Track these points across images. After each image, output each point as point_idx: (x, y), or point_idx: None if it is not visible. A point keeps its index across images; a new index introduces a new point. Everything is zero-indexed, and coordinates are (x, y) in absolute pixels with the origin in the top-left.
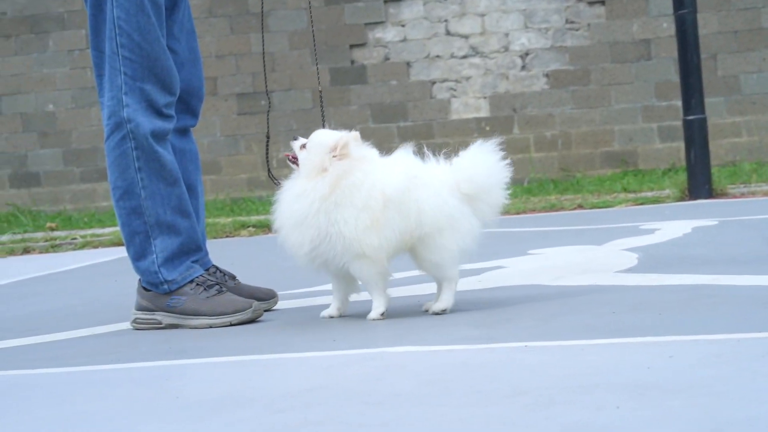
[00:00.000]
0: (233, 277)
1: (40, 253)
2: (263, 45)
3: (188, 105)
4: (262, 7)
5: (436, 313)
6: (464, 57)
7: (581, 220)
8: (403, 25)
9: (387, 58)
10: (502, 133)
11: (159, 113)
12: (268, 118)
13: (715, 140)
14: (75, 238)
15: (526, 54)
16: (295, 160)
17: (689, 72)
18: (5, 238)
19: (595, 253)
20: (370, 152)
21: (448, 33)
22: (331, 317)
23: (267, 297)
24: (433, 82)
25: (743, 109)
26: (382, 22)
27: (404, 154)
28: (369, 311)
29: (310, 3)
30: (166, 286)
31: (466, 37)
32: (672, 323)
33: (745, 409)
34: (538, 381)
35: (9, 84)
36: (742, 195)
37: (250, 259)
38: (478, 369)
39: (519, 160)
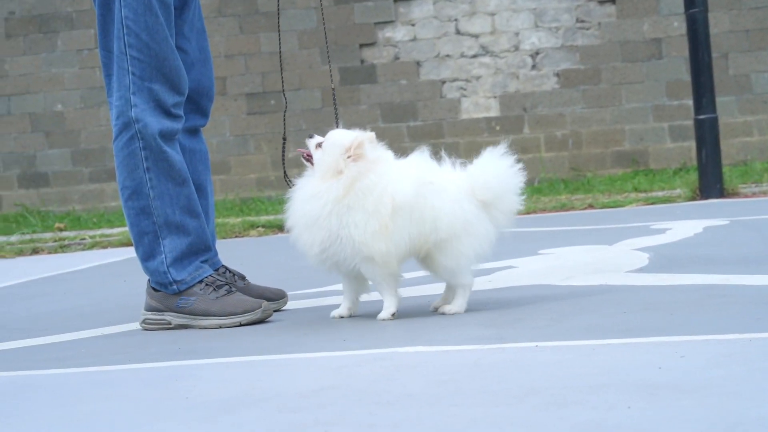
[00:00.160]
0: (243, 277)
1: (49, 253)
2: (279, 44)
3: (198, 105)
4: (279, 7)
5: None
6: (474, 56)
7: (592, 219)
8: (413, 25)
9: (397, 58)
10: (512, 132)
11: (167, 113)
12: (284, 118)
13: (726, 139)
14: (84, 239)
15: (537, 53)
16: (309, 158)
17: (700, 71)
18: (14, 238)
19: (606, 253)
20: (385, 154)
21: (458, 32)
22: (342, 317)
23: (276, 297)
24: (443, 82)
25: (755, 108)
26: (391, 22)
27: (420, 157)
28: (379, 311)
29: (321, 2)
30: (175, 287)
31: (476, 36)
32: (683, 323)
33: (757, 408)
34: (549, 381)
35: (18, 84)
36: (754, 194)
37: (259, 259)
38: (488, 369)
39: (529, 159)
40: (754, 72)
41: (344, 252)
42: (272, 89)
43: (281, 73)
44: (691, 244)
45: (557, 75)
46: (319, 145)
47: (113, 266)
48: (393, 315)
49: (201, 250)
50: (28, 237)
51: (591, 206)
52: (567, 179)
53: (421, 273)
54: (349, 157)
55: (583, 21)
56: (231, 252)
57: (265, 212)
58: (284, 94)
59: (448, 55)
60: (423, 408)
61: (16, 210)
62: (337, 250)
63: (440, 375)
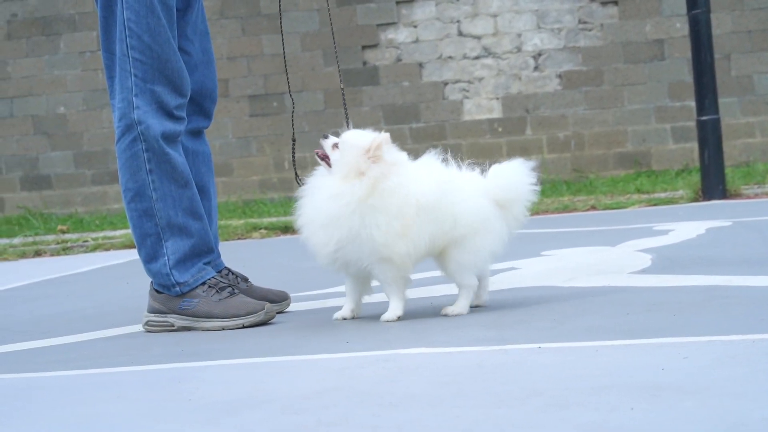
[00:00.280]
0: (245, 279)
1: (52, 255)
2: (283, 46)
3: (201, 106)
4: (280, 10)
5: (447, 315)
6: (477, 58)
7: (594, 221)
8: (415, 26)
9: (399, 59)
10: (514, 134)
11: (170, 115)
12: (292, 119)
13: (728, 141)
14: (86, 241)
15: (539, 54)
16: (325, 158)
17: (703, 72)
18: (16, 240)
19: (609, 254)
20: (401, 156)
21: (460, 34)
22: (344, 318)
23: (279, 299)
24: (446, 83)
25: (757, 109)
26: (394, 23)
27: (432, 159)
28: (382, 313)
29: (328, 3)
30: (177, 289)
31: (478, 37)
32: (686, 324)
33: (760, 409)
34: (552, 382)
35: (20, 86)
36: (756, 195)
37: (262, 261)
38: (491, 370)
39: (532, 161)
40: (757, 73)
41: (360, 252)
42: (275, 91)
43: (286, 75)
44: (693, 245)
45: (559, 76)
46: (335, 145)
47: (116, 268)
48: (398, 318)
49: (204, 252)
50: (30, 239)
51: (593, 207)
52: (569, 180)
53: (424, 275)
54: (369, 158)
55: (585, 22)
56: (234, 254)
57: (268, 214)
58: (291, 95)
59: (450, 57)
60: (426, 409)
61: (19, 212)
62: (354, 249)
63: (443, 376)
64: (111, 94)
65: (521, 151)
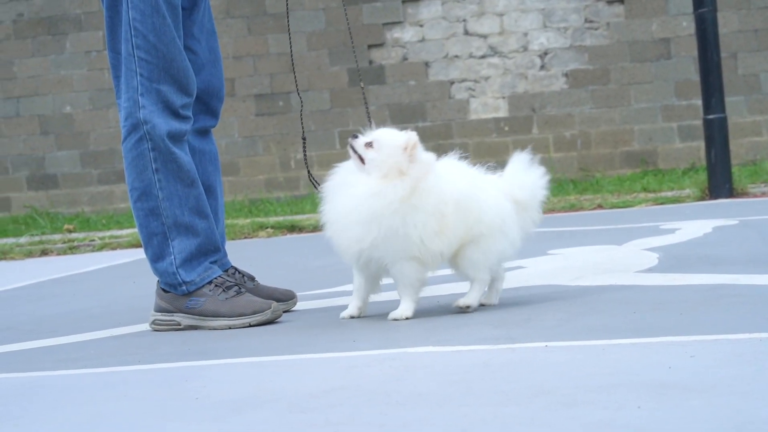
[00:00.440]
0: (252, 278)
1: (58, 255)
2: (291, 46)
3: (208, 106)
4: (288, 8)
5: (460, 308)
6: (483, 57)
7: (601, 220)
8: (421, 25)
9: (405, 58)
10: (520, 133)
11: (176, 114)
12: (301, 118)
13: (735, 139)
14: (93, 240)
15: (545, 53)
16: (359, 157)
17: (709, 71)
18: (23, 240)
19: (616, 253)
20: (430, 156)
21: (466, 33)
22: (352, 317)
23: (286, 298)
24: (452, 82)
25: (764, 108)
26: (400, 22)
27: (453, 160)
28: (389, 311)
29: (344, 2)
30: (184, 288)
31: (484, 36)
32: (693, 323)
33: (767, 408)
34: (560, 381)
35: (26, 86)
36: (763, 194)
37: (268, 260)
38: (498, 369)
39: (538, 160)
40: (764, 72)
41: (392, 249)
42: (280, 90)
43: (294, 74)
44: (700, 244)
45: (566, 75)
46: (368, 144)
47: (122, 267)
48: (407, 318)
49: (210, 250)
50: (37, 239)
51: (600, 206)
52: (576, 179)
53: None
54: (407, 156)
55: (591, 21)
56: (240, 253)
57: (274, 213)
58: (299, 94)
59: (456, 56)
60: (433, 408)
61: (26, 212)
62: (386, 247)
63: (450, 375)
64: (117, 93)
65: (528, 150)
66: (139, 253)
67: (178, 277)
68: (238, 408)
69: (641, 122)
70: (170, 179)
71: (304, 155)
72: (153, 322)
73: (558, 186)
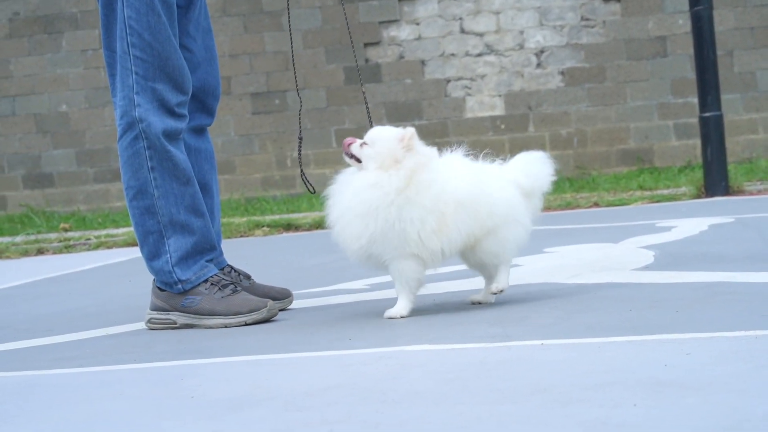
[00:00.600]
0: (248, 277)
1: (54, 253)
2: (291, 44)
3: (204, 104)
4: (289, 6)
5: (493, 293)
6: (479, 55)
7: (597, 218)
8: (417, 24)
9: (401, 57)
10: (517, 131)
11: (171, 112)
12: (300, 117)
13: (731, 137)
14: (89, 239)
15: (542, 52)
16: (353, 157)
17: (705, 69)
18: (19, 239)
19: (612, 251)
20: (431, 150)
21: (462, 31)
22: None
23: (282, 296)
24: (448, 81)
25: (760, 105)
26: (396, 21)
27: (457, 155)
28: (384, 310)
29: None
30: (180, 286)
31: (480, 35)
32: (689, 320)
33: (763, 405)
34: (555, 379)
35: (22, 84)
36: (759, 192)
37: (264, 258)
38: (495, 367)
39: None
40: (760, 69)
41: (390, 245)
42: (277, 89)
43: (294, 72)
44: (696, 241)
45: (562, 73)
46: (363, 144)
47: (118, 266)
48: (402, 317)
49: (206, 249)
50: (33, 237)
51: (596, 204)
52: (572, 177)
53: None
54: (403, 147)
55: (587, 19)
56: (236, 251)
57: (270, 212)
58: (299, 94)
59: (452, 54)
60: (429, 406)
61: (21, 210)
62: (383, 242)
63: (446, 373)
64: (113, 91)
65: (524, 148)
66: (135, 252)
67: (174, 275)
68: (234, 406)
69: (637, 120)
70: (166, 177)
71: (299, 156)
72: (149, 321)
73: (554, 184)
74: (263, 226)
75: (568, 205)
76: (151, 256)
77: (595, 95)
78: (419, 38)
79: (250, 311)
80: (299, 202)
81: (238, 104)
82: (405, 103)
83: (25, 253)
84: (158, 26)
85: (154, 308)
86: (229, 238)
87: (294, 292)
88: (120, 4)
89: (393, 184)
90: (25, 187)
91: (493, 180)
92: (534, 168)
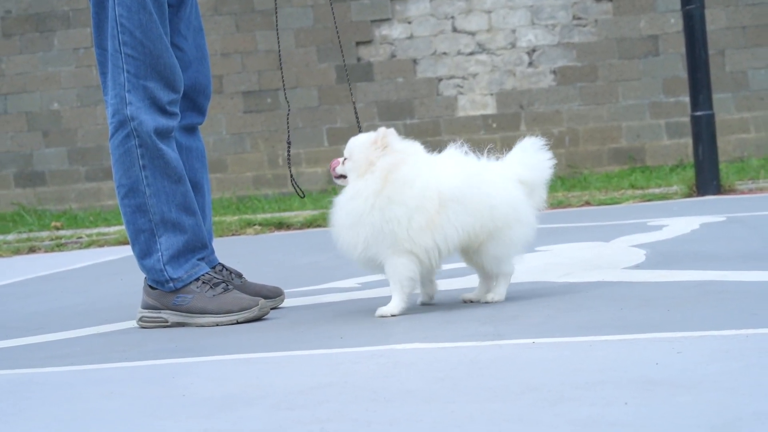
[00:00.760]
0: (239, 275)
1: (46, 252)
2: (279, 46)
3: (195, 103)
4: (276, 6)
5: (488, 302)
6: (471, 54)
7: (589, 216)
8: (409, 22)
9: (393, 56)
10: (508, 130)
11: (162, 111)
12: (288, 121)
13: (723, 136)
14: (80, 237)
15: (533, 50)
16: (341, 177)
17: (697, 68)
18: (11, 237)
19: (603, 250)
20: (414, 146)
21: (454, 30)
22: (423, 304)
23: (273, 295)
24: (440, 79)
25: (751, 104)
26: (388, 19)
27: (456, 151)
28: (376, 308)
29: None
30: (171, 284)
31: (472, 33)
32: (680, 319)
33: (754, 404)
34: (547, 377)
35: (14, 83)
36: (750, 191)
37: (256, 257)
38: (486, 366)
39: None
40: (751, 68)
41: (382, 246)
42: (268, 87)
43: (282, 75)
44: (687, 240)
45: (554, 72)
46: (345, 160)
47: (110, 265)
48: (393, 315)
49: (197, 247)
50: (24, 236)
51: (588, 203)
52: (563, 176)
53: None
54: (377, 148)
55: (579, 18)
56: (228, 250)
57: (262, 210)
58: (286, 98)
59: (444, 53)
60: (420, 405)
61: (13, 209)
62: (378, 245)
63: (437, 372)
64: (104, 90)
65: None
66: (127, 250)
67: (166, 273)
68: (225, 405)
69: (629, 119)
70: (157, 176)
71: (288, 160)
72: (140, 319)
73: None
74: (255, 225)
75: (560, 204)
76: (143, 254)
77: (587, 94)
78: (411, 37)
79: (242, 310)
80: (291, 201)
81: (229, 103)
82: (397, 102)
83: (17, 252)
84: (150, 24)
85: (146, 306)
86: (220, 236)
87: (285, 291)
88: (111, 3)
89: (369, 187)
90: (16, 185)
91: (494, 179)
92: (532, 159)
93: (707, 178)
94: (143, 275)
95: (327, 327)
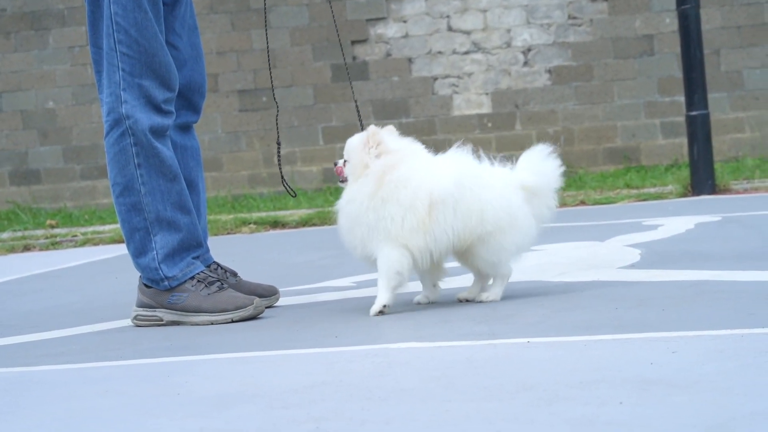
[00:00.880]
0: (234, 274)
1: (41, 250)
2: (268, 46)
3: (190, 101)
4: (266, 6)
5: (482, 302)
6: (466, 53)
7: (584, 216)
8: (404, 21)
9: (389, 54)
10: (504, 129)
11: (158, 109)
12: (277, 122)
13: (718, 136)
14: (75, 236)
15: (529, 50)
16: (345, 180)
17: (692, 67)
18: (6, 235)
19: (598, 249)
20: (414, 145)
21: (449, 29)
22: (419, 303)
23: (268, 294)
24: (435, 79)
25: (746, 104)
26: (383, 18)
27: (460, 153)
28: (371, 307)
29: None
30: (166, 283)
31: (468, 32)
32: (675, 319)
33: (749, 404)
34: (542, 377)
35: (9, 81)
36: (745, 191)
37: (251, 256)
38: (481, 365)
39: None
40: (746, 68)
41: (375, 241)
42: (264, 86)
43: (270, 77)
44: (682, 240)
45: (549, 71)
46: (345, 162)
47: (105, 263)
48: (383, 308)
49: (192, 246)
50: (19, 234)
51: (583, 203)
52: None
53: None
54: (370, 149)
55: (575, 17)
56: (223, 249)
57: (257, 209)
58: (275, 98)
59: (440, 52)
60: (415, 404)
61: (8, 207)
62: (372, 242)
63: (433, 371)
64: (99, 88)
65: (511, 146)
66: (122, 249)
67: (161, 272)
68: (220, 403)
69: (624, 119)
70: (152, 174)
71: (279, 162)
72: (135, 318)
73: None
74: (250, 224)
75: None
76: (138, 252)
77: (582, 94)
78: (406, 36)
79: (237, 308)
80: (286, 200)
81: (225, 101)
82: (392, 101)
83: (12, 250)
84: (145, 23)
85: (141, 305)
86: (215, 235)
87: (281, 290)
88: (107, 1)
89: (363, 191)
90: (11, 183)
91: (487, 184)
92: (540, 165)
93: (702, 178)
94: (138, 274)
95: (322, 326)
